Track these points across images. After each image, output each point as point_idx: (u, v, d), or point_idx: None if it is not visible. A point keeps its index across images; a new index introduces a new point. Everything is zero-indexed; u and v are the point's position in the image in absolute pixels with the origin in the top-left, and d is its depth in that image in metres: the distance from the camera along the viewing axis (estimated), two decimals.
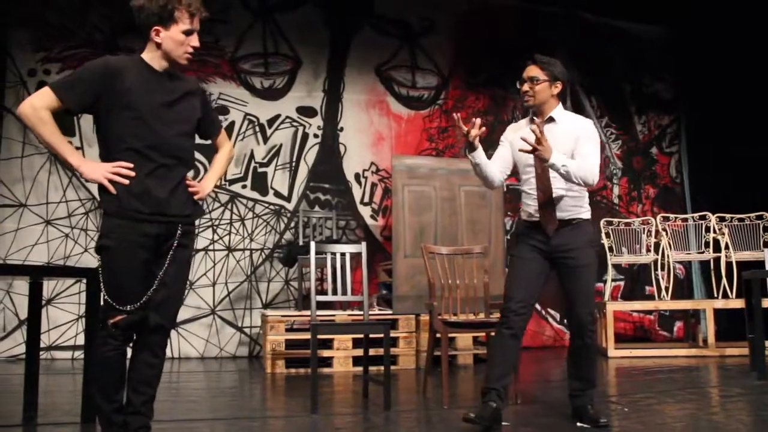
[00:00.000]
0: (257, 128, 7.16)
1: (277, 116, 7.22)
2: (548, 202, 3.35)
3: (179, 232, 2.69)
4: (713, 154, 8.18)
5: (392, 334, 5.70)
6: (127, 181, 2.57)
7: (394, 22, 7.73)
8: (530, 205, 3.43)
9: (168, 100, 2.69)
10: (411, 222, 6.15)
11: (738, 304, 6.42)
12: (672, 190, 8.73)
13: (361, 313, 5.07)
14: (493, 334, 3.64)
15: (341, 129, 7.36)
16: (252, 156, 7.12)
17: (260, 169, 7.13)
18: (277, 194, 7.12)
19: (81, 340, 6.13)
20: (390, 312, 5.99)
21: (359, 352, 5.00)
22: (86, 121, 6.67)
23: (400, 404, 4.09)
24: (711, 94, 8.10)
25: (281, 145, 7.19)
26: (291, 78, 7.32)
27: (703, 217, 7.18)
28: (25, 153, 6.55)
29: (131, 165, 2.59)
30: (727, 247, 6.95)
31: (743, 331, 5.54)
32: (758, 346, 4.92)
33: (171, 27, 2.65)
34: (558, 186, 3.35)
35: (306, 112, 7.27)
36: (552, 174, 3.33)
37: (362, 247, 4.30)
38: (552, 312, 7.93)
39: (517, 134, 3.44)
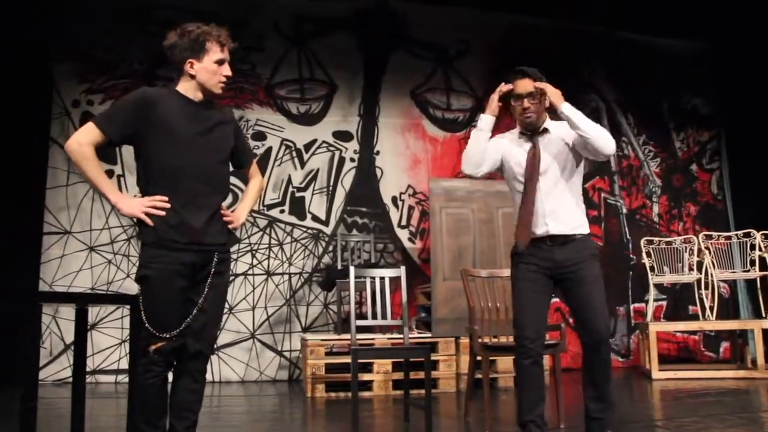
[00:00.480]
0: (294, 153, 7.25)
1: (314, 141, 7.29)
2: (529, 217, 3.23)
3: (215, 260, 2.78)
4: (756, 170, 8.01)
5: (432, 357, 5.66)
6: (163, 213, 2.66)
7: (428, 45, 7.78)
8: (524, 219, 3.29)
9: (203, 129, 2.79)
10: (449, 244, 6.13)
11: None
12: (714, 208, 8.56)
13: (401, 336, 5.06)
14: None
15: (377, 152, 7.39)
16: (290, 181, 7.20)
17: (298, 194, 7.20)
18: (315, 218, 7.18)
19: (124, 364, 6.22)
20: (429, 335, 5.96)
21: (399, 375, 4.98)
22: (127, 150, 6.80)
23: (441, 428, 4.06)
24: (751, 108, 7.96)
25: (318, 170, 7.26)
26: (327, 103, 7.41)
27: (747, 235, 7.02)
28: (70, 181, 6.72)
29: (166, 198, 2.69)
30: None
31: None
32: None
33: (203, 58, 2.77)
34: (555, 199, 3.23)
35: (342, 136, 7.34)
36: (544, 188, 3.23)
37: (401, 271, 4.30)
38: None
39: (511, 146, 3.36)
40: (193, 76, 2.78)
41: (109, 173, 6.77)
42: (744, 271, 7.10)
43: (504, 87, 3.34)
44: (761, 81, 7.78)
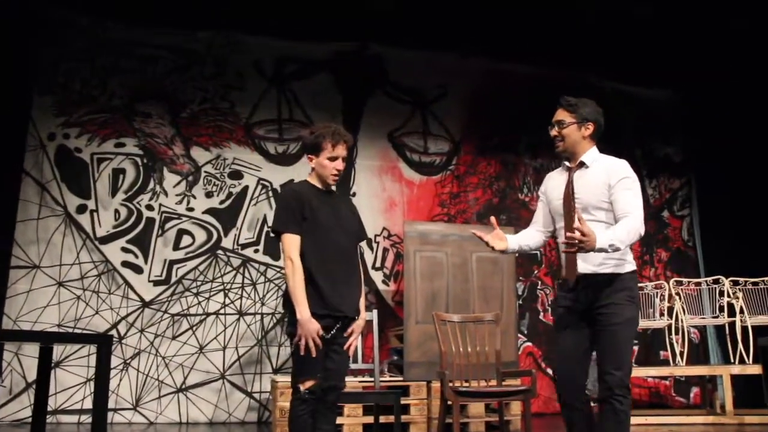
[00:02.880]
0: (270, 193, 7.25)
1: (290, 181, 7.30)
2: (574, 255, 3.09)
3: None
4: (724, 217, 8.17)
5: (403, 401, 5.62)
6: (314, 353, 3.12)
7: (407, 89, 7.88)
8: (564, 262, 3.23)
9: (335, 213, 3.33)
10: (423, 288, 6.14)
11: (755, 369, 6.31)
12: (685, 254, 8.68)
13: (372, 379, 5.02)
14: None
15: (354, 194, 7.41)
16: (265, 220, 7.19)
17: (273, 234, 7.16)
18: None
19: (88, 403, 6.08)
20: (401, 378, 5.91)
21: (370, 419, 4.92)
22: (102, 185, 6.79)
23: None
24: (719, 157, 8.14)
25: None
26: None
27: (716, 281, 7.12)
28: (41, 215, 6.65)
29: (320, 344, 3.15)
30: (741, 312, 6.86)
31: (762, 397, 5.42)
32: None
33: (319, 155, 3.30)
34: None
35: None
36: (597, 218, 3.12)
37: (373, 315, 4.29)
38: None
39: (550, 184, 3.38)
40: (313, 169, 3.36)
41: (83, 208, 6.72)
42: (713, 317, 7.18)
43: (479, 235, 3.39)
44: (729, 131, 7.99)
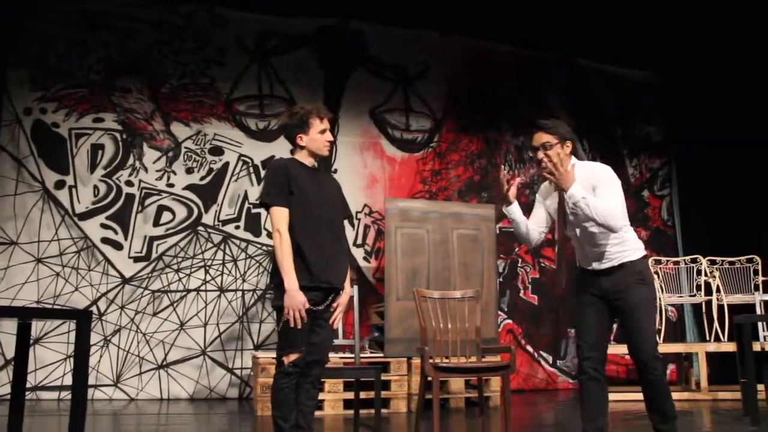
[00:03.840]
0: (251, 169, 7.21)
1: (272, 157, 7.24)
2: (583, 251, 3.45)
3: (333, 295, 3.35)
4: (703, 197, 8.26)
5: (384, 377, 5.66)
6: (299, 325, 3.16)
7: (389, 66, 7.84)
8: (580, 258, 3.54)
9: (321, 189, 3.40)
10: (403, 265, 6.16)
11: (730, 347, 6.43)
12: (664, 233, 8.78)
13: (353, 356, 5.05)
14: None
15: (335, 171, 7.39)
16: (246, 197, 7.15)
17: (254, 210, 7.15)
18: (270, 235, 7.10)
19: (68, 380, 6.06)
20: (381, 355, 5.95)
21: (351, 395, 4.95)
22: (80, 161, 6.71)
23: None
24: (701, 137, 8.21)
25: None
26: None
27: (694, 261, 7.21)
28: (18, 191, 6.56)
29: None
30: (718, 291, 6.97)
31: (736, 374, 5.53)
32: (750, 390, 4.91)
33: (309, 132, 3.38)
34: (595, 240, 3.40)
35: None
36: (581, 233, 3.42)
37: (354, 291, 4.30)
38: (545, 355, 7.89)
39: (548, 200, 3.60)
40: (303, 147, 3.40)
41: (61, 184, 6.64)
42: (691, 296, 7.29)
43: (508, 177, 3.55)
44: (710, 112, 8.05)
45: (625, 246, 3.41)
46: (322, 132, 3.40)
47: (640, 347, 3.36)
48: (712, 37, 7.51)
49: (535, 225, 3.63)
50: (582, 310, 3.50)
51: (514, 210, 3.55)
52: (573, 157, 3.51)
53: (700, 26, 7.38)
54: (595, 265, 3.43)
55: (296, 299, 3.14)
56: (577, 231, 3.45)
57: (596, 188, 3.37)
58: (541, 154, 3.45)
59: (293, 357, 3.17)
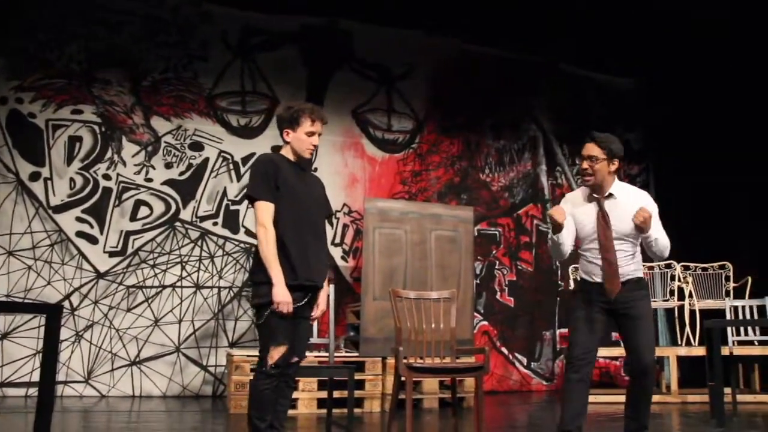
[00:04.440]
0: (231, 166, 7.17)
1: (252, 154, 7.21)
2: (614, 271, 3.54)
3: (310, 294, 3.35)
4: (679, 204, 8.33)
5: (358, 376, 5.66)
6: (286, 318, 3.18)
7: (373, 66, 7.84)
8: (591, 270, 3.63)
9: (307, 187, 3.41)
10: (381, 265, 6.16)
11: (700, 351, 6.51)
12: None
13: (327, 354, 5.05)
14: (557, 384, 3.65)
15: (315, 169, 7.36)
16: (225, 193, 7.11)
17: (232, 207, 7.11)
18: (249, 233, 7.09)
19: (37, 376, 5.98)
20: (357, 354, 5.95)
21: (325, 394, 4.95)
22: (57, 153, 6.63)
23: None
24: (678, 145, 8.31)
25: None
26: (267, 117, 7.36)
27: (668, 266, 7.29)
28: None
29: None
30: (691, 296, 7.06)
31: (705, 377, 5.61)
32: (718, 393, 4.99)
33: (297, 129, 3.38)
34: (620, 256, 3.55)
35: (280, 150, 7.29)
36: (615, 246, 3.56)
37: (329, 290, 4.29)
38: (519, 357, 7.94)
39: (578, 209, 3.68)
40: (288, 143, 3.41)
41: (36, 175, 6.56)
42: (664, 300, 7.37)
43: (556, 214, 3.58)
44: (688, 121, 8.15)
45: (638, 264, 3.64)
46: (310, 134, 3.38)
47: (644, 353, 3.49)
48: (693, 43, 7.60)
49: (569, 242, 3.72)
50: (587, 320, 3.59)
51: (563, 235, 3.63)
52: (616, 179, 3.62)
53: (683, 36, 7.46)
54: (625, 275, 3.56)
55: (287, 293, 3.14)
56: (601, 248, 3.58)
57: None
58: (586, 165, 3.56)
59: (277, 354, 3.15)
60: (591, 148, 3.56)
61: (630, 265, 3.58)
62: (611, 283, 3.54)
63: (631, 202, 3.54)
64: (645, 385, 3.53)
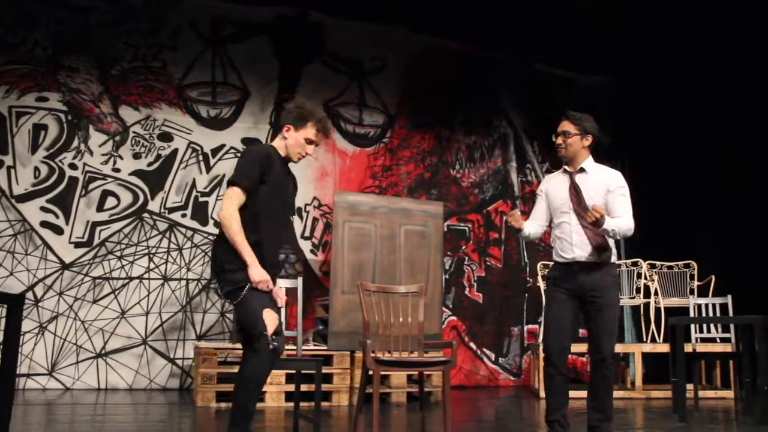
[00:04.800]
0: (200, 157, 7.10)
1: (222, 146, 7.17)
2: (584, 243, 3.68)
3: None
4: (647, 202, 8.45)
5: (326, 370, 5.66)
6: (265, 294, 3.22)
7: (345, 60, 7.81)
8: (562, 247, 3.76)
9: (288, 183, 3.48)
10: (350, 258, 6.15)
11: (664, 348, 6.64)
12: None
13: (295, 348, 5.04)
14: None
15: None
16: (194, 185, 7.04)
17: (201, 199, 7.04)
18: (218, 224, 6.99)
19: None
20: (325, 348, 5.94)
21: (293, 387, 4.94)
22: (20, 142, 6.50)
23: None
24: (649, 144, 8.41)
25: (224, 176, 7.10)
26: (238, 108, 7.30)
27: (635, 264, 7.40)
28: None
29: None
30: (656, 294, 7.17)
31: (669, 374, 5.72)
32: (680, 389, 5.11)
33: (299, 131, 3.38)
34: (585, 231, 3.67)
35: (251, 143, 7.24)
36: (575, 221, 3.70)
37: (298, 282, 4.28)
38: (487, 352, 8.00)
39: (551, 183, 3.92)
40: (285, 138, 3.40)
41: None
42: (630, 298, 7.48)
43: (511, 220, 3.84)
44: (659, 120, 8.26)
45: (610, 247, 3.72)
46: (309, 142, 3.40)
47: (604, 343, 3.63)
48: (664, 46, 7.71)
49: (538, 222, 3.93)
50: (555, 306, 3.76)
51: (526, 230, 3.85)
52: (590, 156, 3.81)
53: (653, 34, 7.55)
54: (576, 254, 3.67)
55: (264, 272, 3.16)
56: (574, 217, 3.70)
57: (611, 193, 3.70)
58: (560, 140, 3.78)
59: (272, 321, 3.14)
60: (565, 125, 3.81)
61: (592, 245, 3.68)
62: (566, 253, 3.72)
63: (602, 179, 3.73)
64: (605, 373, 3.64)
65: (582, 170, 3.80)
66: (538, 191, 4.03)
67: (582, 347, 7.36)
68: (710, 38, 7.33)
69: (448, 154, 8.20)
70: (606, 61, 8.49)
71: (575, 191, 3.74)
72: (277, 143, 3.45)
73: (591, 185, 3.74)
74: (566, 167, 3.86)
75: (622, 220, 3.62)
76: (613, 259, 3.74)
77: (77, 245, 6.59)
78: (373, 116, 7.91)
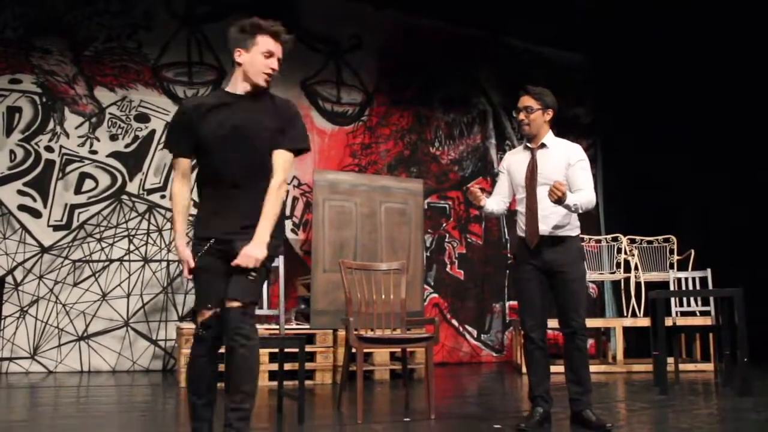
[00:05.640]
0: None
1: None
2: (534, 220, 3.71)
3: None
4: (626, 178, 8.54)
5: (309, 348, 5.68)
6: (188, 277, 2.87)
7: (321, 38, 7.75)
8: (523, 223, 3.79)
9: (237, 125, 2.82)
10: (331, 237, 6.15)
11: (645, 322, 6.72)
12: (588, 212, 9.00)
13: (278, 327, 5.05)
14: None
15: None
16: (172, 166, 6.97)
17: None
18: (197, 205, 6.96)
19: None
20: (307, 327, 5.96)
21: (276, 366, 4.95)
22: None
23: (314, 419, 4.08)
24: (626, 120, 8.47)
25: None
26: (215, 88, 7.21)
27: (615, 239, 7.47)
28: None
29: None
30: (636, 268, 7.25)
31: (649, 347, 5.80)
32: (661, 362, 5.18)
33: (251, 48, 2.77)
34: (546, 205, 3.66)
35: None
36: (539, 196, 3.70)
37: (279, 261, 4.28)
38: (469, 329, 8.07)
39: (513, 158, 3.92)
40: (240, 65, 2.79)
41: None
42: (611, 273, 7.56)
43: (471, 197, 3.85)
44: (634, 94, 8.31)
45: (570, 219, 3.72)
46: (268, 55, 2.77)
47: (573, 316, 3.65)
48: (642, 22, 7.71)
49: (501, 198, 3.94)
50: (523, 284, 3.78)
51: (488, 206, 3.86)
52: (550, 131, 3.82)
53: (631, 10, 7.55)
54: (541, 229, 3.67)
55: (181, 247, 2.92)
56: (537, 191, 3.70)
57: (572, 167, 3.70)
58: (522, 116, 3.78)
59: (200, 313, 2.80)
60: (526, 100, 3.80)
61: (560, 220, 3.68)
62: (531, 231, 3.71)
63: (562, 153, 3.75)
64: (578, 344, 3.68)
65: (543, 146, 3.81)
66: (500, 168, 4.04)
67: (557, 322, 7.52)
68: (681, 9, 7.32)
69: (428, 131, 8.19)
70: (583, 38, 8.50)
71: (531, 170, 3.76)
72: (234, 79, 2.84)
73: (552, 160, 3.75)
74: (528, 143, 3.86)
75: (583, 193, 3.62)
76: (576, 232, 3.76)
77: (56, 228, 6.53)
78: (351, 94, 7.87)
